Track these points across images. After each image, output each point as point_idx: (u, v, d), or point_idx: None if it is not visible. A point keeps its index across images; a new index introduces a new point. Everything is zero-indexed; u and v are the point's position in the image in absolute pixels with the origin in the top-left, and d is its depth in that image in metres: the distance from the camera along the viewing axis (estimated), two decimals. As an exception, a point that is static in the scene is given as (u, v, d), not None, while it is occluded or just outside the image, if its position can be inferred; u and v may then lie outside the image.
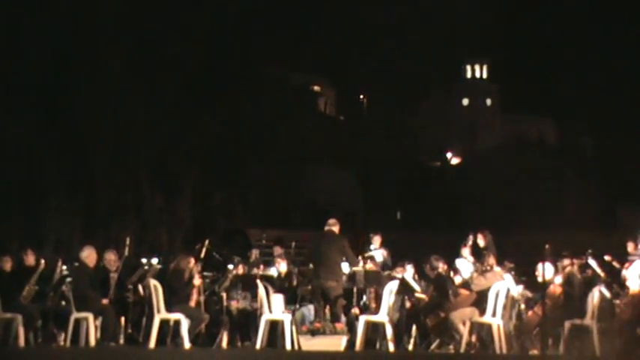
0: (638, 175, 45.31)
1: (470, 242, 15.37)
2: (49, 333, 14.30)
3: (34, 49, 27.14)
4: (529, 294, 14.60)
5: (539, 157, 53.78)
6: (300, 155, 39.51)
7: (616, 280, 14.00)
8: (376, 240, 17.01)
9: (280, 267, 15.58)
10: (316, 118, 55.81)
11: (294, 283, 15.10)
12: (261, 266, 15.89)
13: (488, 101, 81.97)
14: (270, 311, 13.61)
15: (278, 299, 13.82)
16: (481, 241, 15.55)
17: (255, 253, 17.61)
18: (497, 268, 13.85)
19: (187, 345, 13.37)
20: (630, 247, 14.62)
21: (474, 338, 13.47)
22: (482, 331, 13.49)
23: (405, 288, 14.30)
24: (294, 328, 13.49)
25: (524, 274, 15.15)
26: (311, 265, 14.44)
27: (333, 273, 13.74)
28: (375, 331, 13.76)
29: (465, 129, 77.02)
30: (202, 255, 15.43)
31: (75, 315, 13.63)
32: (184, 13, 30.41)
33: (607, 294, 13.51)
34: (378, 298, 13.97)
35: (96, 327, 13.67)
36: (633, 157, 48.03)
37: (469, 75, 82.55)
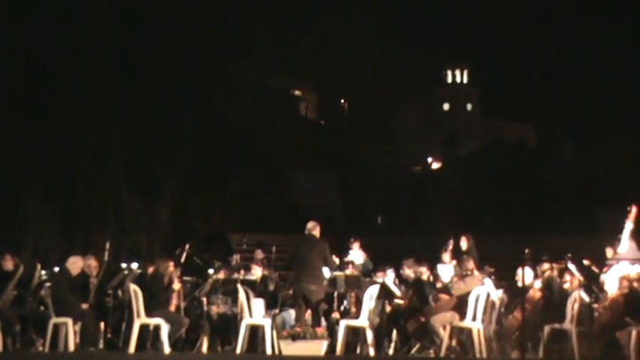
0: (616, 178, 45.52)
1: (450, 246, 15.39)
2: (27, 338, 14.21)
3: (12, 51, 26.98)
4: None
5: (519, 161, 53.94)
6: (280, 159, 39.46)
7: (595, 284, 14.05)
8: (355, 245, 17.09)
9: (255, 272, 15.50)
10: (297, 122, 55.78)
11: (271, 287, 15.07)
12: (242, 271, 15.86)
13: (469, 106, 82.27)
14: (251, 316, 13.60)
15: (259, 304, 13.80)
16: (464, 244, 15.58)
17: (236, 258, 17.59)
18: (477, 273, 13.88)
19: (167, 350, 13.34)
20: (609, 252, 14.67)
21: (454, 342, 13.48)
22: (463, 336, 13.52)
23: (385, 293, 14.31)
24: (274, 332, 13.47)
25: (504, 279, 15.16)
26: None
27: (315, 277, 13.73)
28: (355, 335, 13.76)
29: (445, 133, 77.23)
30: (183, 259, 15.40)
31: (54, 320, 13.57)
32: (164, 17, 30.35)
33: (586, 298, 13.56)
34: (359, 303, 13.97)
35: (75, 332, 13.61)
36: (612, 160, 48.30)
37: (450, 80, 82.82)
